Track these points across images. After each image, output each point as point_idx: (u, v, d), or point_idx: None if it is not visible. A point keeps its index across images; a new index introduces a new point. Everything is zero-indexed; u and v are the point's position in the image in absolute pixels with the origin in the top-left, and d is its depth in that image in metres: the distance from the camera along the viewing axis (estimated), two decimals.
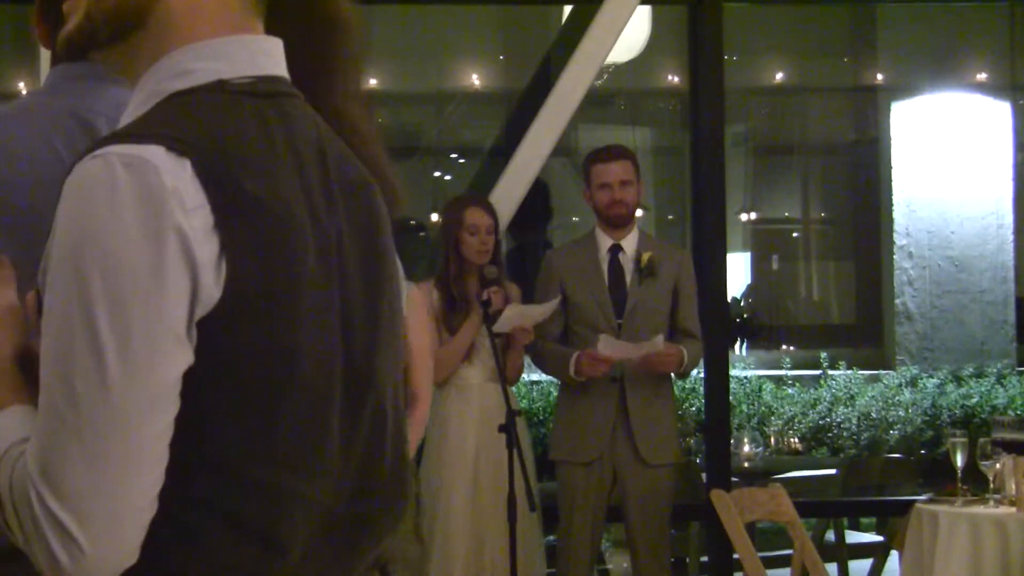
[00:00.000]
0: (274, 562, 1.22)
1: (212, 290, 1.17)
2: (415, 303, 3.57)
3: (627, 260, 4.93)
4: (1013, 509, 4.37)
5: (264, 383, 1.20)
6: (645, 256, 4.89)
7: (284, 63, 1.33)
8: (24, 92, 7.84)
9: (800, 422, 7.51)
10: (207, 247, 1.17)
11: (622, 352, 4.72)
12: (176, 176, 1.16)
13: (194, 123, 1.22)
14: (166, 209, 1.15)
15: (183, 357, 1.17)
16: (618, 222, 4.93)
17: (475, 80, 8.78)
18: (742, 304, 9.49)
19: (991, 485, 4.51)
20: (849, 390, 7.73)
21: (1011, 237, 8.90)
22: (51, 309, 1.17)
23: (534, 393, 7.07)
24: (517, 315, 4.68)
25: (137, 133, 1.20)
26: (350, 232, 1.31)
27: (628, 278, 4.91)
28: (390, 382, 1.35)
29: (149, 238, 1.15)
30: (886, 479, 6.95)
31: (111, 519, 1.15)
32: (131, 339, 1.14)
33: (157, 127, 1.21)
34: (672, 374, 4.98)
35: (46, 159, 1.92)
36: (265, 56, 1.31)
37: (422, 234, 7.27)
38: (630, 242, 4.95)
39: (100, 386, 1.14)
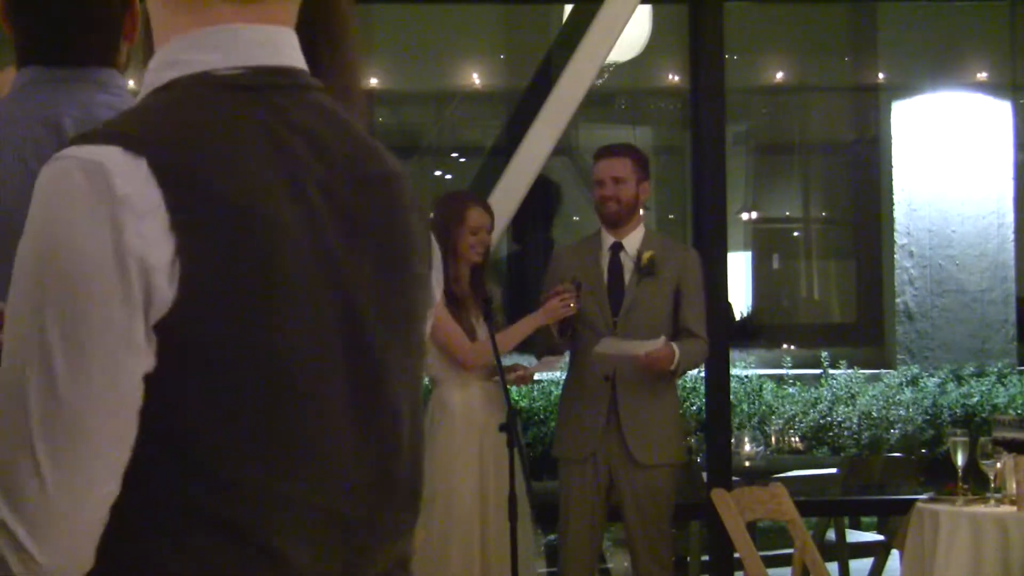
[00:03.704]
0: (275, 567, 1.21)
1: (165, 292, 1.15)
2: None
3: (628, 259, 4.92)
4: (1014, 508, 4.37)
5: (241, 384, 1.18)
6: (645, 255, 4.88)
7: (293, 53, 1.31)
8: None
9: (801, 421, 7.51)
10: (160, 249, 1.15)
11: (623, 350, 4.73)
12: (129, 179, 1.15)
13: (160, 119, 1.21)
14: (116, 216, 1.14)
15: (138, 361, 1.15)
16: (609, 219, 4.93)
17: (476, 79, 8.78)
18: (751, 305, 9.50)
19: (992, 484, 4.51)
20: (850, 389, 7.73)
21: (1011, 236, 8.90)
22: (9, 314, 1.17)
23: (534, 393, 7.07)
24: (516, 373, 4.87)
25: (101, 132, 1.19)
26: (362, 227, 1.28)
27: (627, 277, 4.90)
28: (406, 382, 1.33)
29: (100, 245, 1.14)
30: (887, 478, 6.96)
31: (65, 529, 1.14)
32: (80, 345, 1.13)
33: (121, 125, 1.20)
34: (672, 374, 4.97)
35: (14, 168, 1.93)
36: (265, 47, 1.28)
37: None
38: (632, 241, 4.94)
39: (50, 393, 1.13)
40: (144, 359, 1.16)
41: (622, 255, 4.93)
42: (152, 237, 1.15)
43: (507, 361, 4.90)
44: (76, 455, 1.14)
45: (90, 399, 1.14)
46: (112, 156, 1.16)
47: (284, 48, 1.30)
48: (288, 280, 1.21)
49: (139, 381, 1.16)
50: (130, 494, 1.18)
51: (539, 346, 5.01)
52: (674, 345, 4.79)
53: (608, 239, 4.96)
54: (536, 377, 6.91)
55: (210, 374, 1.17)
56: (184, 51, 1.27)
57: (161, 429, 1.18)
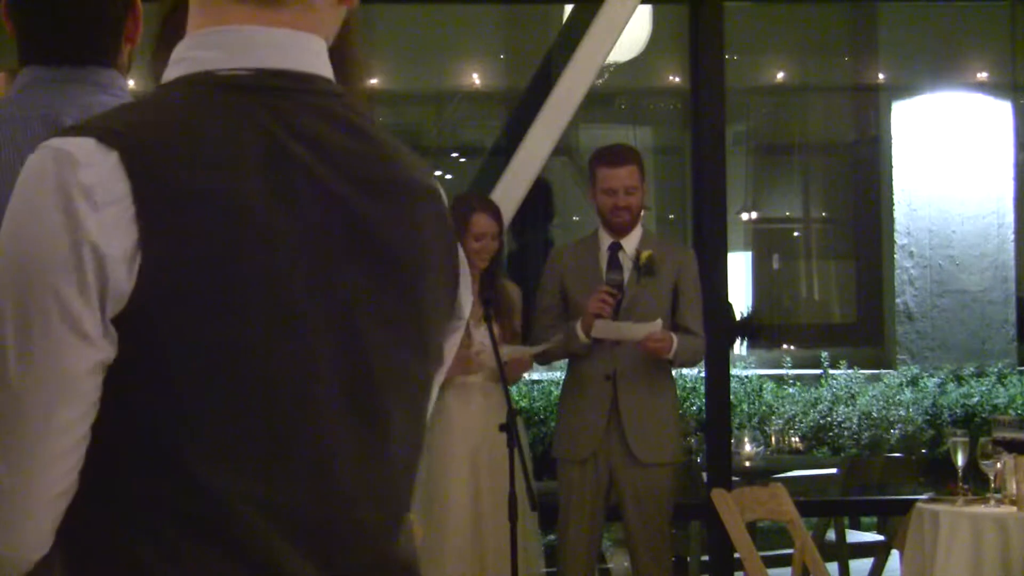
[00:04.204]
0: (267, 572, 1.21)
1: (123, 283, 1.15)
2: None
3: (627, 258, 4.93)
4: (1014, 508, 4.37)
5: (218, 386, 1.18)
6: (644, 255, 4.88)
7: (308, 58, 1.30)
8: None
9: (801, 421, 7.52)
10: (120, 240, 1.15)
11: (621, 332, 4.74)
12: (96, 169, 1.16)
13: (146, 114, 1.23)
14: (75, 205, 1.15)
15: (89, 351, 1.15)
16: (621, 228, 4.93)
17: (476, 79, 8.79)
18: (751, 305, 9.50)
19: (992, 484, 4.50)
20: (850, 389, 7.73)
21: (1011, 236, 8.91)
22: None
23: (534, 393, 7.07)
24: (512, 351, 4.78)
25: (83, 125, 1.21)
26: (366, 234, 1.27)
27: (626, 276, 4.91)
28: (407, 392, 1.32)
29: (55, 232, 1.15)
30: (887, 478, 6.95)
31: (12, 514, 1.16)
32: (29, 329, 1.14)
33: (105, 119, 1.22)
34: (672, 371, 4.98)
35: (15, 168, 1.94)
36: (274, 49, 1.28)
37: None
38: (631, 241, 4.95)
39: (1, 379, 1.15)
40: (98, 350, 1.16)
41: (621, 255, 4.94)
42: (112, 228, 1.15)
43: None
44: (22, 441, 1.15)
45: (36, 384, 1.14)
46: (84, 147, 1.17)
47: (296, 52, 1.29)
48: (266, 281, 1.20)
49: (91, 371, 1.16)
50: (119, 501, 1.19)
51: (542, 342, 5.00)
52: (672, 334, 4.80)
53: (607, 239, 4.96)
54: (536, 377, 6.92)
55: (180, 372, 1.17)
56: (192, 49, 1.28)
57: (142, 429, 1.18)
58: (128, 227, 1.16)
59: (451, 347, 1.41)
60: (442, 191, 1.38)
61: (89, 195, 1.15)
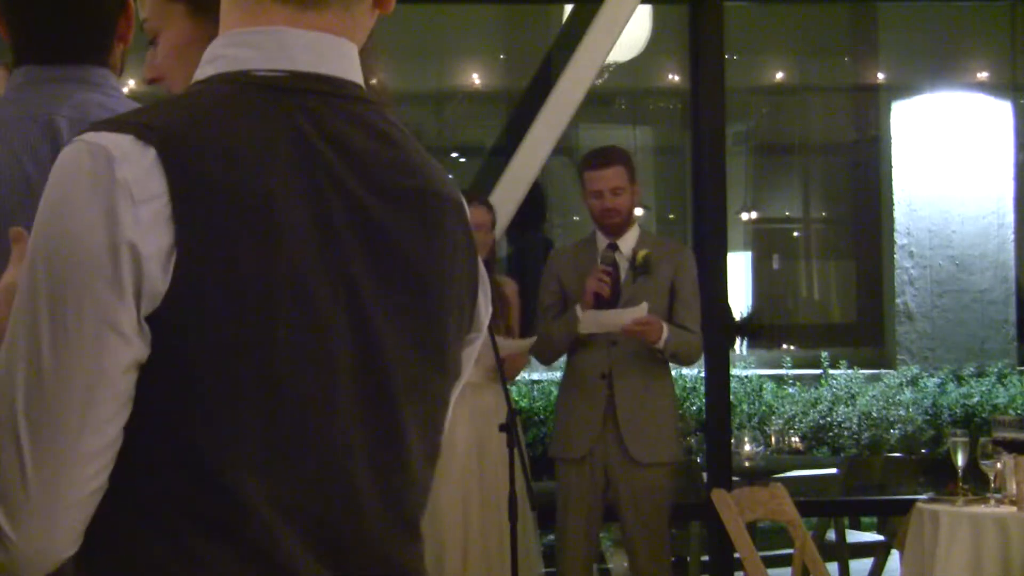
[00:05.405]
0: (272, 573, 1.20)
1: (158, 281, 1.15)
2: None
3: (623, 259, 4.93)
4: (1014, 509, 4.37)
5: (238, 387, 1.17)
6: (640, 254, 4.89)
7: (343, 63, 1.30)
8: None
9: (801, 421, 7.52)
10: (156, 238, 1.15)
11: (609, 321, 4.74)
12: (134, 165, 1.15)
13: (182, 111, 1.22)
14: (112, 201, 1.14)
15: (125, 349, 1.15)
16: (612, 230, 4.94)
17: (476, 79, 8.79)
18: (751, 305, 9.50)
19: (992, 485, 4.50)
20: (850, 389, 7.73)
21: (1012, 236, 8.91)
22: (16, 292, 1.18)
23: (534, 393, 7.07)
24: (505, 346, 4.77)
25: (119, 120, 1.20)
26: (386, 241, 1.27)
27: (623, 276, 4.91)
28: (421, 401, 1.31)
29: (92, 228, 1.14)
30: (887, 478, 6.95)
31: (41, 511, 1.15)
32: (65, 326, 1.14)
33: (142, 114, 1.21)
34: (670, 370, 4.98)
35: (10, 168, 1.95)
36: (310, 52, 1.28)
37: None
38: (628, 241, 4.95)
39: (35, 374, 1.14)
40: (133, 348, 1.15)
41: (617, 255, 4.94)
42: (148, 225, 1.15)
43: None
44: (56, 438, 1.14)
45: (70, 382, 1.14)
46: (120, 143, 1.17)
47: (331, 57, 1.29)
48: (291, 283, 1.20)
49: (125, 369, 1.15)
50: (135, 498, 1.19)
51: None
52: (662, 321, 4.79)
53: (604, 240, 4.98)
54: (536, 377, 6.92)
55: (207, 373, 1.17)
56: (227, 47, 1.28)
57: (163, 428, 1.18)
58: (165, 225, 1.15)
59: (468, 360, 1.40)
60: (465, 203, 1.38)
61: (126, 190, 1.15)
